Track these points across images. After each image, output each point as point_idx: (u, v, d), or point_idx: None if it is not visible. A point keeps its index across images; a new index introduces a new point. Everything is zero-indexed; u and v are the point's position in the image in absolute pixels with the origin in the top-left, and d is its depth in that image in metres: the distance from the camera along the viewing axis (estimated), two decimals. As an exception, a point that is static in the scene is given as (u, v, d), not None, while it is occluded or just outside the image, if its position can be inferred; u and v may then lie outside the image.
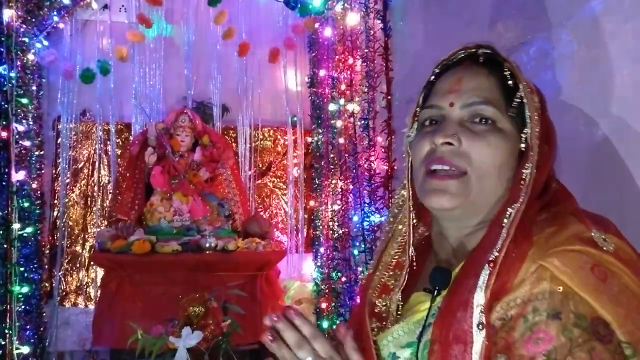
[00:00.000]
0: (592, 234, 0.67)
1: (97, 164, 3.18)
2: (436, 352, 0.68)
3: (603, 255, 0.65)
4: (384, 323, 0.81)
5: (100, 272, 2.98)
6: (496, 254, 0.67)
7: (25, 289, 2.52)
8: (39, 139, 2.91)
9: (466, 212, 0.76)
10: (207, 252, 2.68)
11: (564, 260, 0.64)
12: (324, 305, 2.93)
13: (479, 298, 0.66)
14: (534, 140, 0.72)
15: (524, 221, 0.69)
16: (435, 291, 0.73)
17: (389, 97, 2.39)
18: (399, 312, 0.81)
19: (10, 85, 2.50)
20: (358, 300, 0.95)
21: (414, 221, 0.84)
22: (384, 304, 0.83)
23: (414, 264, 0.83)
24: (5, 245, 2.44)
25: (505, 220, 0.69)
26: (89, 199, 3.17)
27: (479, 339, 0.65)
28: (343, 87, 2.76)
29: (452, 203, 0.74)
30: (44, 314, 2.89)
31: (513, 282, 0.66)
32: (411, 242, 0.83)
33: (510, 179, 0.74)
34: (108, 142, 3.21)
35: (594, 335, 0.61)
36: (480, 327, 0.65)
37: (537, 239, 0.67)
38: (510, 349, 0.64)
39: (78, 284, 3.12)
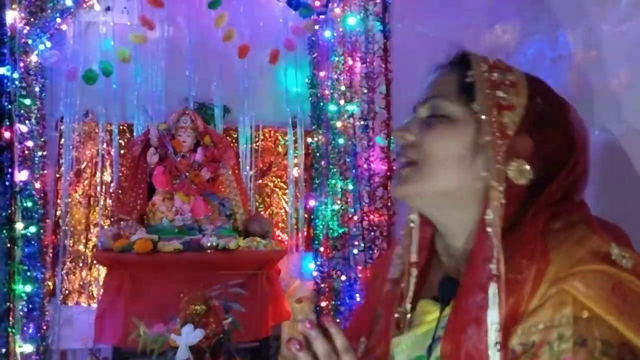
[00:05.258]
0: (610, 250, 0.64)
1: (99, 164, 3.20)
2: None
3: (622, 273, 0.63)
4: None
5: (103, 271, 3.00)
6: (493, 266, 0.65)
7: (28, 288, 2.53)
8: (42, 139, 2.92)
9: (431, 204, 0.76)
10: (209, 251, 2.70)
11: (586, 281, 0.62)
12: (323, 304, 2.95)
13: (493, 315, 0.64)
14: (484, 118, 0.70)
15: (530, 233, 0.66)
16: (444, 302, 0.72)
17: (388, 98, 2.41)
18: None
19: (13, 86, 2.51)
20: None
21: (412, 224, 0.83)
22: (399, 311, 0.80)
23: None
24: (8, 244, 2.45)
25: (489, 229, 0.67)
26: (91, 198, 3.19)
27: (495, 356, 0.62)
28: (343, 88, 2.78)
29: (403, 190, 0.75)
30: (47, 313, 2.90)
31: (530, 303, 0.63)
32: (414, 248, 0.81)
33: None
34: (111, 143, 3.23)
35: None
36: (498, 347, 0.62)
37: (554, 256, 0.64)
38: None
39: (81, 283, 3.14)
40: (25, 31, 2.64)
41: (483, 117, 0.71)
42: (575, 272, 0.63)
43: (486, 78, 0.73)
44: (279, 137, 3.50)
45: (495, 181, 0.68)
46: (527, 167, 0.69)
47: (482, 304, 0.65)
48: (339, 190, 2.86)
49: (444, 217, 0.77)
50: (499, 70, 0.74)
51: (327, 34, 2.96)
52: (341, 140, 2.83)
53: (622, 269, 0.63)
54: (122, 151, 3.20)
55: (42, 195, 2.88)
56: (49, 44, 2.83)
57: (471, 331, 0.65)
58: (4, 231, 2.44)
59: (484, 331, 0.64)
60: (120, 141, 3.25)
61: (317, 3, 2.97)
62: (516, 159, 0.69)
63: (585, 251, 0.64)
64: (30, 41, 2.72)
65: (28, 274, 2.56)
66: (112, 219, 2.97)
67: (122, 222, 2.85)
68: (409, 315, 0.78)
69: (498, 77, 0.73)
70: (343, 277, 2.80)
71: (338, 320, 2.78)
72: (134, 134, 3.23)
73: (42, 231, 2.80)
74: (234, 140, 3.40)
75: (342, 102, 2.80)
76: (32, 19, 2.68)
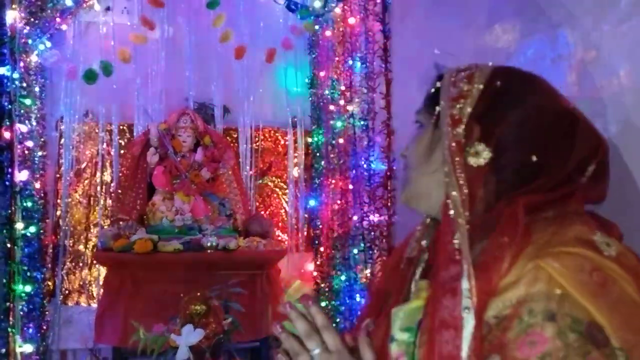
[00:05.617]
0: (595, 237, 0.66)
1: (99, 164, 3.20)
2: (426, 339, 0.69)
3: (604, 260, 0.64)
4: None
5: (103, 271, 3.00)
6: (457, 241, 0.69)
7: (28, 288, 2.53)
8: (42, 139, 2.92)
9: (419, 205, 0.83)
10: (209, 251, 2.70)
11: (563, 261, 0.64)
12: (323, 304, 2.95)
13: (465, 284, 0.67)
14: (443, 120, 0.75)
15: (509, 212, 0.69)
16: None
17: (388, 98, 2.41)
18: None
19: (13, 86, 2.51)
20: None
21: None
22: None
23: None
24: (8, 245, 2.45)
25: (451, 211, 0.71)
26: (91, 198, 3.19)
27: (469, 323, 0.66)
28: (343, 88, 2.79)
29: (401, 197, 0.85)
30: (47, 313, 2.91)
31: (507, 278, 0.65)
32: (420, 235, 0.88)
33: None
34: (111, 143, 3.23)
35: (590, 340, 0.61)
36: (467, 310, 0.66)
37: (537, 238, 0.67)
38: (504, 349, 0.63)
39: (81, 283, 3.14)
40: (25, 31, 2.64)
41: (437, 108, 0.77)
42: (554, 252, 0.65)
43: (448, 82, 0.77)
44: (279, 137, 3.50)
45: (446, 167, 0.73)
46: (481, 147, 0.72)
47: (455, 277, 0.68)
48: (339, 190, 2.86)
49: (435, 212, 0.81)
50: (461, 71, 0.78)
51: (327, 33, 2.97)
52: (341, 140, 2.83)
53: (604, 256, 0.65)
54: (122, 151, 3.20)
55: (42, 195, 2.89)
56: (49, 44, 2.83)
57: (447, 302, 0.68)
58: (4, 231, 2.44)
59: (458, 300, 0.67)
60: (120, 141, 3.25)
61: (317, 4, 2.97)
62: (471, 144, 0.73)
63: (568, 236, 0.66)
64: (30, 41, 2.72)
65: (28, 274, 2.56)
66: (112, 219, 2.98)
67: (122, 222, 2.85)
68: (412, 293, 0.83)
69: (458, 75, 0.77)
70: (343, 277, 2.80)
71: (338, 320, 2.79)
72: (134, 134, 3.23)
73: (42, 231, 2.80)
74: (234, 140, 3.40)
75: (342, 102, 2.81)
76: (32, 19, 2.68)
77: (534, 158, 0.72)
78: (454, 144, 0.73)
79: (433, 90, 0.80)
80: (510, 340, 0.63)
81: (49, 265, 2.99)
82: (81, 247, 3.16)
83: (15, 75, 2.53)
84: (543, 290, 0.63)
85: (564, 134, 0.73)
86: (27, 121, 2.69)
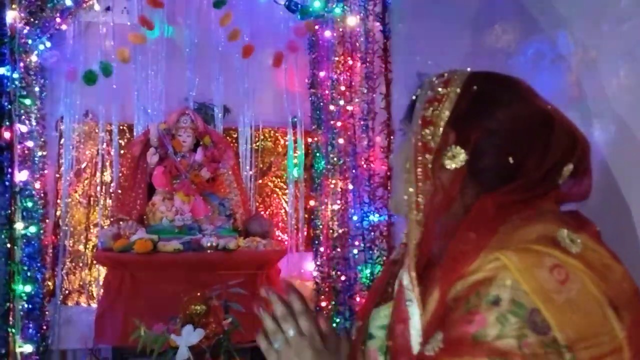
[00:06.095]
0: (558, 235, 0.67)
1: (99, 164, 3.20)
2: (389, 335, 0.75)
3: (566, 257, 0.65)
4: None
5: (103, 271, 3.00)
6: (414, 242, 0.72)
7: (28, 288, 2.53)
8: (42, 139, 2.93)
9: (402, 212, 0.81)
10: (209, 251, 2.70)
11: (522, 256, 0.65)
12: (323, 304, 2.95)
13: (405, 279, 0.72)
14: (415, 121, 0.76)
15: (479, 210, 0.71)
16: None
17: (388, 98, 2.42)
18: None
19: (13, 86, 2.51)
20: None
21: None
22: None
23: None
24: (8, 245, 2.46)
25: (414, 210, 0.74)
26: (91, 198, 3.19)
27: (414, 315, 0.70)
28: (343, 88, 2.79)
29: (390, 205, 0.88)
30: (47, 313, 2.91)
31: (470, 267, 0.67)
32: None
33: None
34: (111, 143, 3.23)
35: (529, 324, 0.62)
36: (409, 303, 0.71)
37: (502, 235, 0.68)
38: (447, 326, 0.66)
39: (81, 283, 3.14)
40: (25, 31, 2.65)
41: (414, 113, 0.77)
42: (515, 247, 0.66)
43: (425, 87, 0.78)
44: (279, 137, 3.50)
45: (407, 164, 0.75)
46: (458, 149, 0.73)
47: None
48: (339, 190, 2.86)
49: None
50: (440, 76, 0.79)
51: (327, 34, 2.97)
52: (341, 140, 2.83)
53: (568, 253, 0.65)
54: (122, 151, 3.20)
55: (42, 195, 2.89)
56: (49, 44, 2.83)
57: (398, 297, 0.75)
58: (4, 231, 2.45)
59: (403, 295, 0.74)
60: (120, 141, 3.25)
61: (317, 4, 2.97)
62: (448, 146, 0.74)
63: (532, 233, 0.68)
64: (30, 41, 2.72)
65: (28, 274, 2.56)
66: (112, 219, 2.98)
67: (122, 222, 2.85)
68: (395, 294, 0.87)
69: (435, 80, 0.78)
70: (343, 277, 2.81)
71: (338, 320, 2.79)
72: (134, 134, 3.22)
73: (42, 231, 2.80)
74: (234, 140, 3.40)
75: (342, 102, 2.81)
76: (32, 19, 2.68)
77: (511, 160, 0.73)
78: (420, 144, 0.74)
79: (414, 97, 0.80)
80: (454, 319, 0.66)
81: (49, 266, 2.99)
82: (81, 247, 3.16)
83: (15, 75, 2.53)
84: (495, 279, 0.64)
85: (540, 136, 0.75)
86: (27, 121, 2.69)
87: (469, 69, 0.79)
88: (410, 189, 0.74)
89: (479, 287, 0.65)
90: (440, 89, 0.76)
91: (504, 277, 0.64)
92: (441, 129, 0.74)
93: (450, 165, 0.73)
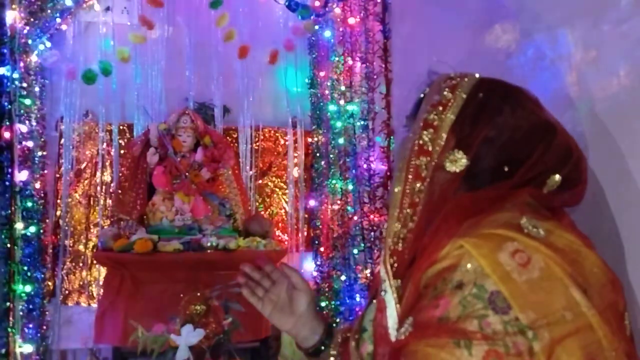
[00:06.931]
0: (522, 221, 0.70)
1: (99, 164, 3.20)
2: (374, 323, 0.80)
3: (529, 240, 0.68)
4: None
5: (103, 271, 3.00)
6: (390, 240, 0.75)
7: (28, 288, 2.53)
8: (42, 139, 2.93)
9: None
10: (209, 251, 2.70)
11: (483, 240, 0.68)
12: (323, 304, 2.95)
13: (382, 269, 0.75)
14: (417, 123, 0.78)
15: (452, 205, 0.74)
16: None
17: (388, 98, 2.41)
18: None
19: (13, 86, 2.51)
20: None
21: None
22: None
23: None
24: (8, 245, 2.46)
25: (397, 207, 0.76)
26: (91, 198, 3.19)
27: (390, 303, 0.73)
28: (343, 88, 2.79)
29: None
30: (47, 313, 2.91)
31: (439, 255, 0.70)
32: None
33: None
34: (111, 143, 3.23)
35: (490, 305, 0.64)
36: (384, 293, 0.75)
37: (469, 224, 0.72)
38: (416, 312, 0.70)
39: (81, 283, 3.14)
40: (25, 31, 2.64)
41: (418, 114, 0.79)
42: (478, 233, 0.69)
43: (434, 88, 0.80)
44: (279, 137, 3.50)
45: (400, 163, 0.77)
46: (460, 154, 0.76)
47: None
48: (339, 190, 2.86)
49: None
50: (448, 78, 0.80)
51: (327, 34, 2.97)
52: (341, 140, 2.83)
53: (531, 237, 0.68)
54: (122, 151, 3.20)
55: (42, 195, 2.89)
56: (49, 44, 2.83)
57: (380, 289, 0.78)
58: (4, 231, 2.44)
59: (380, 285, 0.77)
60: (120, 141, 3.25)
61: (317, 4, 2.97)
62: (450, 150, 0.76)
63: (496, 219, 0.71)
64: (30, 41, 2.72)
65: (28, 274, 2.56)
66: (112, 219, 2.98)
67: (122, 222, 2.85)
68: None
69: (444, 83, 0.80)
70: (343, 277, 2.80)
71: (338, 320, 2.79)
72: (134, 134, 3.23)
73: (42, 231, 2.80)
74: (234, 140, 3.40)
75: (342, 102, 2.81)
76: (32, 19, 2.68)
77: (506, 168, 0.76)
78: (416, 147, 0.76)
79: (422, 96, 0.82)
80: (423, 304, 0.69)
81: (49, 266, 2.99)
82: (81, 247, 3.16)
83: (15, 75, 2.53)
84: (459, 265, 0.68)
85: (538, 148, 0.77)
86: (27, 121, 2.69)
87: (477, 75, 0.80)
88: (398, 188, 0.76)
89: (445, 273, 0.68)
90: (446, 93, 0.78)
91: (467, 262, 0.67)
92: (444, 134, 0.76)
93: (451, 168, 0.76)
